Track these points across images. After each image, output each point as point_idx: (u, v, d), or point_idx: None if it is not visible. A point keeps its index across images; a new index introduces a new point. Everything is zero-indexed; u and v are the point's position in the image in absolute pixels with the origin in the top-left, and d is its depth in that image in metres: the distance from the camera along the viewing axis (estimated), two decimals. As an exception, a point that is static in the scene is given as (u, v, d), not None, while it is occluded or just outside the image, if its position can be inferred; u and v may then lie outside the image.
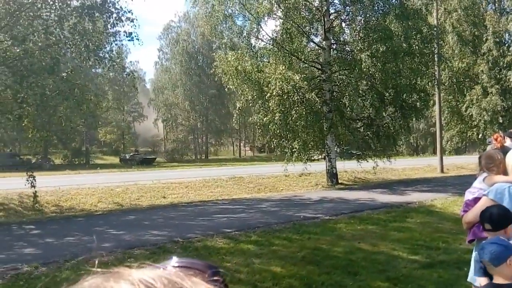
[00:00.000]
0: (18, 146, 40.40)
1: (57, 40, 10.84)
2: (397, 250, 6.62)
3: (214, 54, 17.32)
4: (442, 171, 22.55)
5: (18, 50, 10.32)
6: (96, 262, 0.46)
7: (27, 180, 10.31)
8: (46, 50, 10.61)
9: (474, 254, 3.04)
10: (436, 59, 18.93)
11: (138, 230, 8.45)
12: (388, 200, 12.23)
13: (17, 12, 10.04)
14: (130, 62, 52.91)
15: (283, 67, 15.10)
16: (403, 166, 23.03)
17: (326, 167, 16.99)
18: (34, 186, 10.32)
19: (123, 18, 11.39)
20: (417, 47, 16.50)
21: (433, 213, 10.08)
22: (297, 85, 15.01)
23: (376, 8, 16.08)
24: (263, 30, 16.58)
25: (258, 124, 16.35)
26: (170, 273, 0.45)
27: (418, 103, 17.55)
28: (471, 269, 3.11)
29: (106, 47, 12.25)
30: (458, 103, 29.43)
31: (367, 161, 17.84)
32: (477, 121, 28.52)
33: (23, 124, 10.61)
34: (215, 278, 0.50)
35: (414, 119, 19.48)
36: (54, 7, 10.72)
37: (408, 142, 45.27)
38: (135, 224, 9.34)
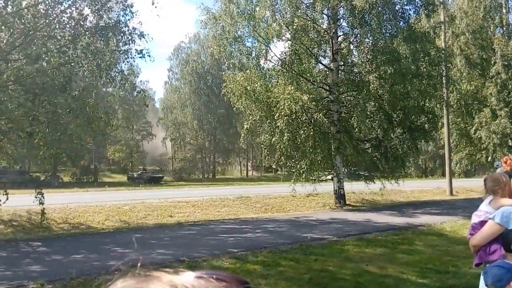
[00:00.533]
0: (27, 163, 40.74)
1: (70, 59, 11.05)
2: (406, 274, 6.52)
3: (224, 73, 17.52)
4: (451, 193, 22.31)
5: (31, 69, 10.53)
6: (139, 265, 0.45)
7: (36, 197, 10.36)
8: (59, 69, 10.82)
9: (481, 278, 3.00)
10: (444, 81, 18.95)
11: (144, 249, 8.42)
12: (397, 222, 12.10)
13: (32, 32, 10.28)
14: (141, 81, 53.59)
15: (292, 88, 15.22)
16: (412, 188, 22.84)
17: (334, 188, 16.91)
18: (42, 203, 10.37)
19: (135, 37, 11.60)
20: (425, 69, 16.56)
21: (442, 236, 9.95)
22: (305, 105, 15.11)
23: (384, 31, 16.22)
24: (271, 51, 16.80)
25: (265, 144, 16.39)
26: (208, 281, 0.45)
27: (426, 125, 17.51)
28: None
29: (117, 66, 12.47)
30: (466, 126, 29.25)
31: (375, 183, 17.73)
32: (486, 143, 28.26)
33: (34, 142, 10.73)
34: None
35: (422, 141, 19.41)
36: (68, 27, 10.98)
37: (416, 164, 44.95)
38: (141, 243, 9.31)
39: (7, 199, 10.22)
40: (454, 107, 27.34)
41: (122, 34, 11.50)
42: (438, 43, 19.88)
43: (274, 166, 26.44)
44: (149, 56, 12.46)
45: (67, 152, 36.95)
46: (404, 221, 12.59)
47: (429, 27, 17.72)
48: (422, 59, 16.34)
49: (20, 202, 12.33)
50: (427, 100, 17.36)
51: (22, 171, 30.74)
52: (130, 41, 11.62)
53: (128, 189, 26.17)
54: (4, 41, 10.07)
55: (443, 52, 18.28)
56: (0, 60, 10.21)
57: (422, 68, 16.42)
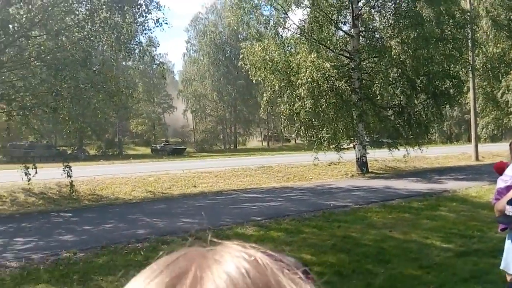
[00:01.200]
0: (54, 138, 41.76)
1: (89, 34, 11.10)
2: (430, 239, 6.52)
3: (241, 45, 17.30)
4: (477, 159, 21.93)
5: (52, 45, 10.64)
6: (209, 236, 0.42)
7: (64, 170, 10.67)
8: (78, 44, 10.90)
9: (507, 242, 2.98)
10: (470, 44, 18.30)
11: (170, 218, 8.65)
12: (420, 189, 12.02)
13: (50, 8, 10.33)
14: (159, 54, 53.55)
15: (314, 55, 14.97)
16: (436, 154, 22.52)
17: (356, 155, 16.82)
18: (70, 176, 10.67)
19: (151, 8, 11.54)
20: (449, 32, 16.00)
21: (467, 201, 9.86)
22: (327, 73, 14.88)
23: (407, -8, 15.66)
24: (290, 19, 16.47)
25: (285, 114, 16.28)
26: (278, 258, 0.42)
27: (451, 90, 17.06)
28: (504, 257, 3.05)
29: (136, 39, 12.46)
30: (493, 89, 28.42)
31: (399, 149, 17.54)
32: (513, 107, 27.51)
33: (59, 117, 10.96)
34: (310, 276, 0.45)
35: (447, 106, 18.97)
36: (85, 2, 10.99)
37: (441, 129, 44.14)
38: (167, 212, 9.55)
39: (36, 172, 10.56)
40: (480, 70, 26.51)
41: (138, 7, 11.46)
42: (463, 5, 19.11)
43: (294, 136, 26.30)
44: (166, 23, 12.38)
45: (91, 126, 37.77)
46: (428, 187, 12.49)
47: (454, -13, 16.98)
48: (447, 22, 15.78)
49: (49, 175, 12.74)
50: (452, 65, 16.85)
51: (49, 145, 31.48)
52: (146, 13, 11.57)
53: (152, 161, 26.65)
54: (24, 18, 10.15)
55: (468, 14, 17.58)
56: (22, 36, 10.34)
57: (446, 31, 15.87)
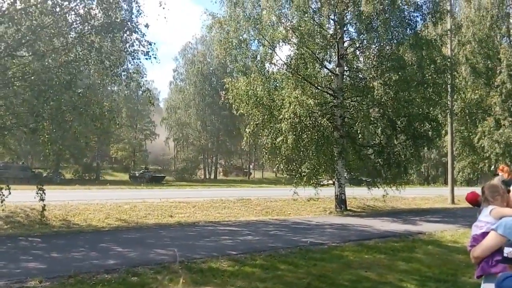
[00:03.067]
0: (30, 159, 40.88)
1: (76, 57, 11.07)
2: (405, 281, 6.49)
3: (224, 80, 17.51)
4: (453, 202, 22.24)
5: (37, 66, 10.56)
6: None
7: (37, 193, 10.38)
8: (64, 66, 10.84)
9: None
10: (449, 89, 18.91)
11: (143, 248, 8.43)
12: (397, 229, 12.06)
13: (39, 29, 10.31)
14: (146, 81, 53.71)
15: (298, 91, 15.23)
16: (414, 195, 22.77)
17: (335, 192, 16.87)
18: (43, 200, 10.37)
19: (143, 42, 11.60)
20: (430, 77, 16.52)
21: (442, 245, 9.91)
22: (310, 109, 15.11)
23: (390, 37, 16.19)
24: (277, 55, 16.80)
25: (267, 147, 16.35)
26: None
27: (430, 133, 17.47)
28: (479, 304, 3.04)
29: (123, 65, 12.46)
30: (470, 134, 29.22)
31: (378, 188, 17.69)
32: (489, 153, 28.22)
33: (38, 138, 10.76)
34: None
35: (425, 148, 19.36)
36: (75, 25, 11.01)
37: (419, 171, 44.83)
38: (141, 242, 9.31)
39: (10, 193, 10.24)
40: (458, 115, 27.37)
41: (128, 31, 11.49)
42: (444, 51, 19.85)
43: (275, 170, 26.33)
44: (155, 58, 12.46)
45: (70, 149, 37.16)
46: (405, 228, 12.55)
47: (435, 35, 17.68)
48: (428, 67, 16.31)
49: (21, 198, 12.37)
50: (431, 108, 17.33)
51: (24, 166, 30.86)
52: (136, 42, 11.62)
53: (129, 188, 26.19)
54: (11, 38, 10.10)
55: (449, 60, 18.24)
56: (7, 55, 10.25)
57: (427, 75, 16.38)
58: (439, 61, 16.89)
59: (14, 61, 10.61)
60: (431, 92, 16.70)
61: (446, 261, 8.00)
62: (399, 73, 15.41)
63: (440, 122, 18.80)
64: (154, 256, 7.59)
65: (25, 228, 10.87)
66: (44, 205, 10.46)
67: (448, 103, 20.14)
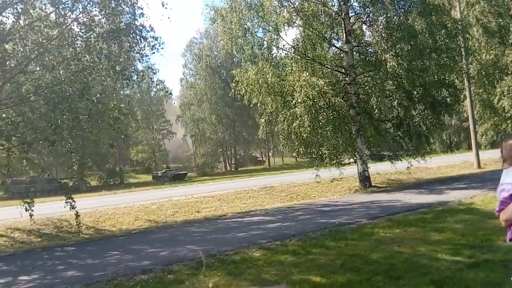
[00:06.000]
0: (55, 171, 41.73)
1: (86, 66, 11.18)
2: (439, 252, 6.41)
3: (233, 72, 17.42)
4: (479, 166, 21.87)
5: (49, 78, 10.71)
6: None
7: (66, 202, 10.58)
8: (75, 76, 10.96)
9: None
10: (463, 53, 18.48)
11: (175, 246, 8.54)
12: (425, 201, 11.93)
13: (45, 42, 10.42)
14: (157, 80, 54.09)
15: (307, 74, 15.09)
16: (438, 164, 22.45)
17: (358, 170, 16.76)
18: (74, 207, 10.57)
19: (149, 39, 11.63)
20: (442, 42, 16.16)
21: (473, 211, 9.75)
22: (322, 90, 14.96)
23: (397, 7, 15.87)
24: (283, 39, 16.64)
25: (283, 133, 16.25)
26: None
27: (448, 99, 17.14)
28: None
29: (133, 67, 12.53)
30: (489, 96, 28.53)
31: (401, 161, 17.49)
32: (510, 112, 27.55)
33: (61, 149, 10.94)
34: None
35: (445, 115, 19.01)
36: (81, 34, 11.09)
37: (441, 139, 44.14)
38: (172, 240, 9.44)
39: (33, 207, 10.43)
40: (475, 78, 26.67)
41: (134, 35, 11.53)
42: (453, 15, 19.36)
43: (294, 155, 26.23)
44: (162, 49, 12.39)
45: (92, 157, 37.80)
46: (433, 198, 12.40)
47: (443, -2, 17.25)
48: (439, 32, 15.95)
49: (51, 209, 12.66)
50: (447, 74, 16.99)
51: (50, 179, 31.45)
52: (142, 41, 11.64)
53: (154, 188, 26.55)
54: (20, 54, 10.24)
55: (459, 23, 17.80)
56: (19, 72, 10.41)
57: (439, 41, 16.03)
58: (449, 25, 16.50)
59: (26, 76, 10.77)
60: (445, 57, 16.35)
61: (479, 227, 7.87)
62: (411, 42, 15.11)
63: (458, 87, 18.45)
64: (186, 253, 7.68)
65: (59, 238, 11.14)
66: (77, 212, 10.63)
67: (464, 66, 19.71)
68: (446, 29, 16.19)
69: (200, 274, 6.12)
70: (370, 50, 17.24)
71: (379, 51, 16.20)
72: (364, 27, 17.52)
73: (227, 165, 58.35)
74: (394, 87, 16.76)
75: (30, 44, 10.42)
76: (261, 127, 17.14)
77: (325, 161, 15.77)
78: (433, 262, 5.92)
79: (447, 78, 17.16)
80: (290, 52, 16.74)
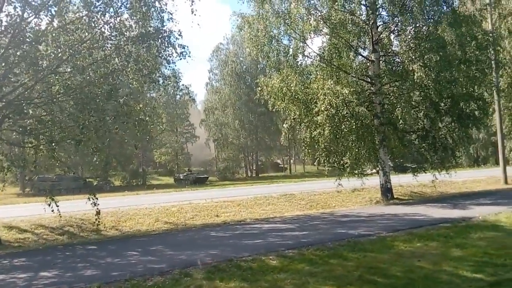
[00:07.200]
0: (80, 169, 42.66)
1: (114, 68, 11.46)
2: (460, 268, 6.27)
3: (257, 81, 17.59)
4: (506, 182, 21.27)
5: (79, 80, 11.01)
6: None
7: (89, 199, 10.82)
8: (105, 78, 11.24)
9: None
10: (493, 65, 18.05)
11: (193, 249, 8.61)
12: (449, 215, 11.67)
13: (77, 44, 10.73)
14: (183, 85, 54.83)
15: (331, 82, 15.03)
16: (463, 178, 21.94)
17: (380, 181, 16.53)
18: (96, 204, 10.78)
19: (176, 46, 11.85)
20: (472, 54, 15.84)
21: (498, 228, 9.50)
22: (346, 99, 14.86)
23: (426, 17, 15.64)
24: (309, 47, 16.63)
25: (305, 141, 16.17)
26: None
27: (476, 112, 16.73)
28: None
29: (159, 71, 12.76)
30: (519, 110, 27.73)
31: (425, 173, 17.15)
32: (540, 128, 26.73)
33: (88, 149, 11.20)
34: None
35: (473, 128, 18.57)
36: (111, 38, 11.38)
37: (468, 153, 43.07)
38: (190, 243, 9.51)
39: (57, 206, 10.69)
40: (505, 91, 25.97)
41: (162, 39, 11.75)
42: (484, 26, 18.96)
43: (315, 164, 26.05)
44: (189, 56, 12.61)
45: (116, 157, 38.47)
46: (457, 213, 12.12)
47: (474, 9, 16.92)
48: (469, 44, 15.64)
49: (75, 207, 12.94)
50: (476, 86, 16.61)
51: (76, 177, 32.14)
52: (170, 48, 11.85)
53: (175, 190, 26.81)
54: (52, 55, 10.57)
55: (490, 35, 17.41)
56: (50, 73, 10.74)
57: (469, 53, 15.72)
58: (480, 37, 16.15)
59: (57, 77, 11.09)
60: (474, 70, 16.00)
61: (503, 245, 7.65)
62: (440, 53, 14.84)
63: (486, 100, 17.98)
64: (204, 257, 7.73)
65: (80, 236, 11.38)
66: (98, 209, 10.85)
67: (493, 79, 19.25)
68: (476, 40, 15.86)
69: (216, 279, 6.15)
70: (397, 59, 17.01)
71: (406, 61, 15.97)
72: (392, 36, 17.32)
73: (248, 170, 58.44)
74: (421, 98, 16.47)
75: (62, 46, 10.74)
76: (283, 133, 17.13)
77: (347, 170, 15.61)
78: (454, 279, 5.80)
79: (475, 90, 16.78)
80: (316, 60, 16.70)
